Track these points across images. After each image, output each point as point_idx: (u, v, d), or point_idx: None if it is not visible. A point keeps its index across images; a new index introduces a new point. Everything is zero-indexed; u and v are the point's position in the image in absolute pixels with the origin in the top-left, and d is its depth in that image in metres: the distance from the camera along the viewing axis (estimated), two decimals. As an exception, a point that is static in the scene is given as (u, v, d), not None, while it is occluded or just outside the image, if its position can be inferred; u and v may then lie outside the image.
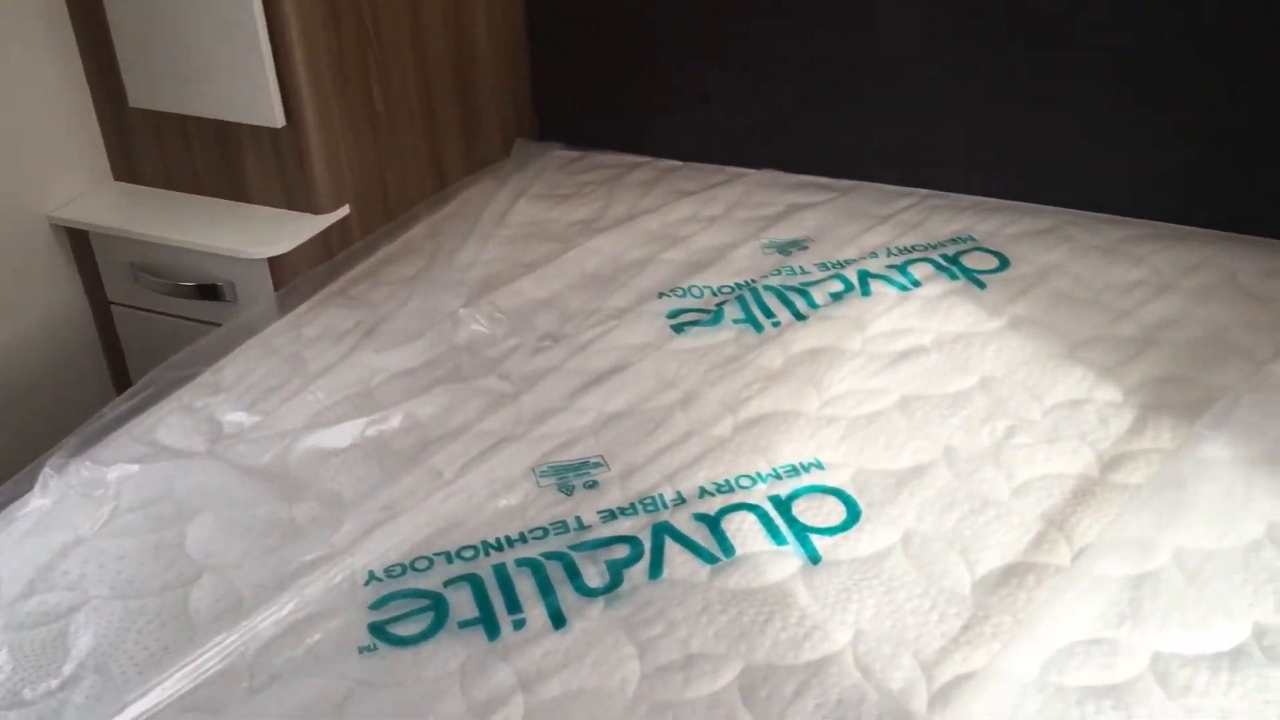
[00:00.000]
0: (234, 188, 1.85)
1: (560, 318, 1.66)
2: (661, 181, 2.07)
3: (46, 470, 1.34)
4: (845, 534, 1.23)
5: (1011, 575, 1.16)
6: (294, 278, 1.78)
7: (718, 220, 1.92)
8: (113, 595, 1.19)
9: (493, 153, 2.15)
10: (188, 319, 1.85)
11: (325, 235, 1.81)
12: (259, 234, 1.78)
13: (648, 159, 2.16)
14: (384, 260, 1.84)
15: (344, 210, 1.83)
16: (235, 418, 1.46)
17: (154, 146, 1.87)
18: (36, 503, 1.31)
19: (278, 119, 1.72)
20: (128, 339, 1.94)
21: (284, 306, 1.73)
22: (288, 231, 1.78)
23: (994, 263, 1.73)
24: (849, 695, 1.04)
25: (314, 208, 1.80)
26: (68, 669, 1.09)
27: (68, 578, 1.21)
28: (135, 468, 1.35)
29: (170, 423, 1.46)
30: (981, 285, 1.67)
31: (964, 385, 1.45)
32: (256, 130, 1.76)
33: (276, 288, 1.77)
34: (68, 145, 1.86)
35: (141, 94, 1.80)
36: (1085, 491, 1.27)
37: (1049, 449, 1.33)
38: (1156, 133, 1.79)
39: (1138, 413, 1.39)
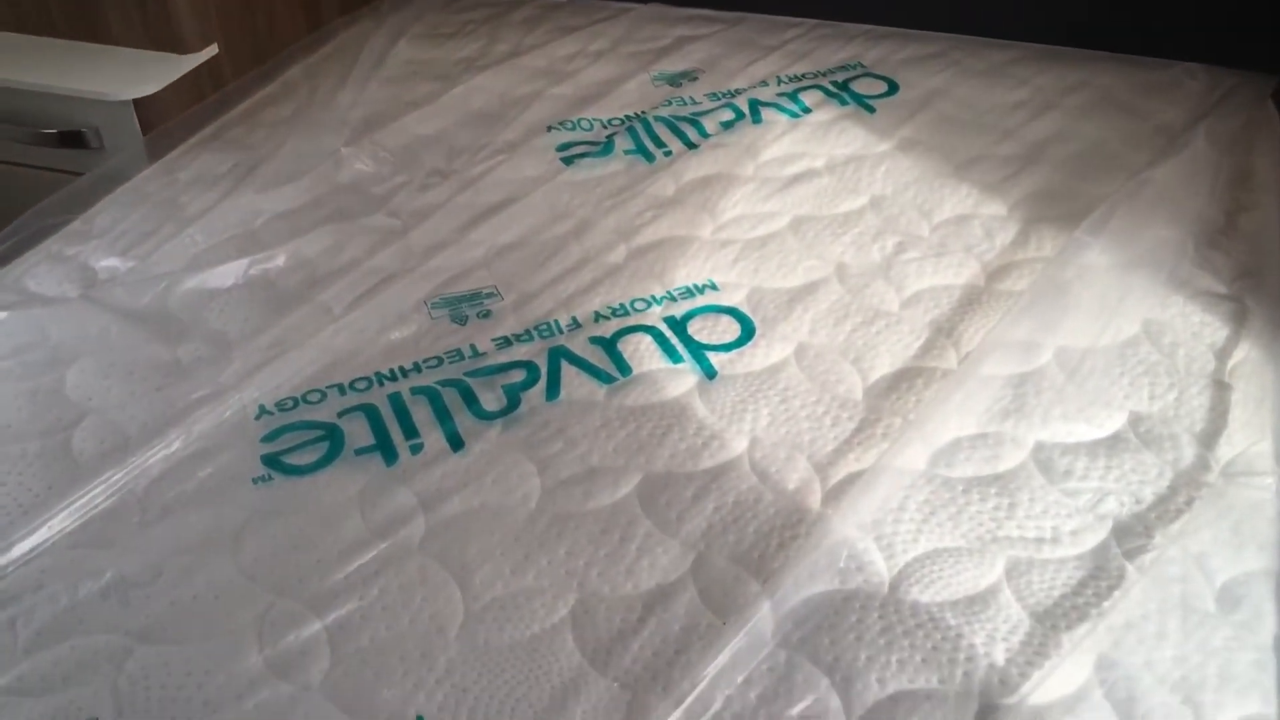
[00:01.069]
0: (91, 28, 1.74)
1: (448, 154, 1.62)
2: (545, 19, 2.01)
3: (-94, 321, 1.27)
4: (740, 350, 1.24)
5: (901, 380, 1.19)
6: (163, 122, 1.69)
7: (605, 55, 1.87)
8: (-10, 441, 1.14)
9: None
10: (51, 169, 1.76)
11: (194, 78, 1.72)
12: (123, 76, 1.68)
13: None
14: (260, 103, 1.76)
15: (212, 49, 1.74)
16: (109, 263, 1.40)
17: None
18: (-102, 356, 1.25)
19: (133, -50, 1.62)
20: (-10, 193, 1.83)
21: (154, 152, 1.65)
22: (153, 72, 1.69)
23: (882, 88, 1.73)
24: (746, 497, 1.06)
25: (179, 46, 1.71)
26: (-54, 515, 1.06)
27: (-61, 428, 1.16)
28: (3, 314, 1.29)
29: (39, 272, 1.39)
30: (871, 109, 1.67)
31: (854, 205, 1.46)
32: (111, -37, 1.65)
33: (145, 133, 1.68)
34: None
35: (-20, -74, 1.67)
36: (972, 300, 1.29)
37: (937, 262, 1.36)
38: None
39: (1021, 225, 1.41)
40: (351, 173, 1.57)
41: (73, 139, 1.71)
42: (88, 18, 1.72)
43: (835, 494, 1.06)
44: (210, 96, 1.75)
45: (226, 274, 1.37)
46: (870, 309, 1.29)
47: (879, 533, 1.02)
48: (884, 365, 1.21)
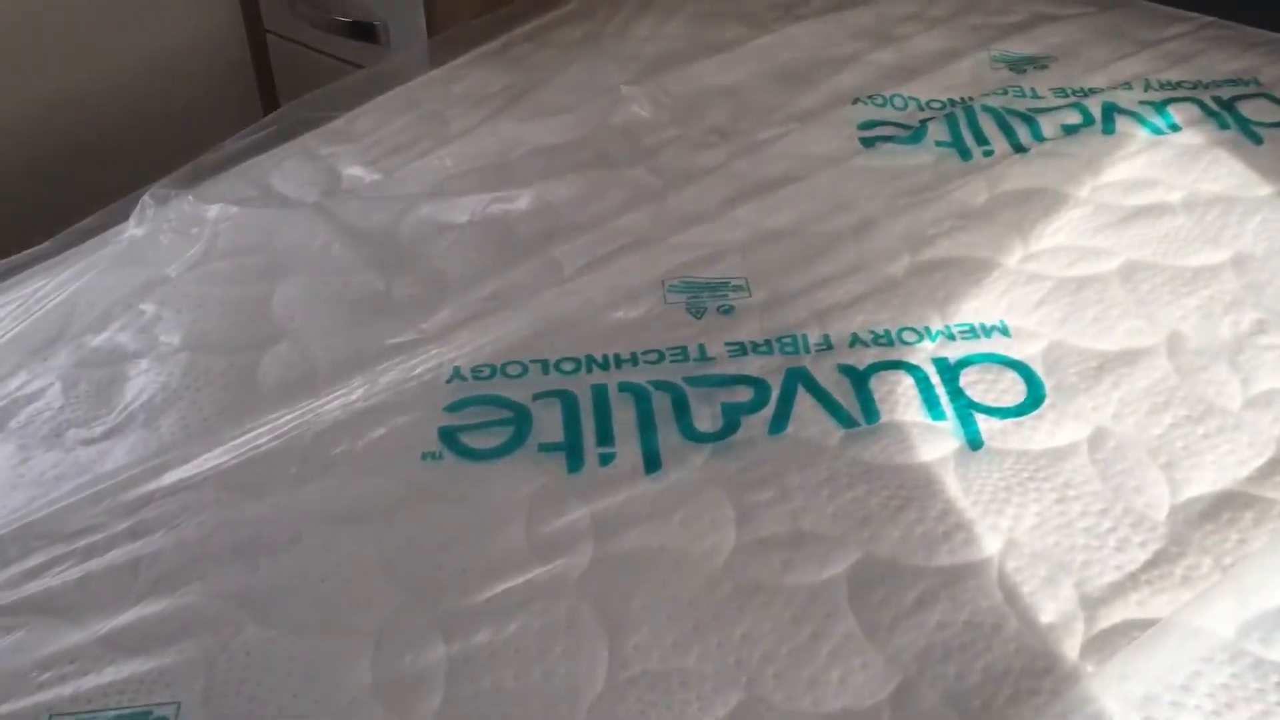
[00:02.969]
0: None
1: (736, 111, 1.43)
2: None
3: (145, 199, 1.23)
4: (1020, 419, 1.00)
5: (1224, 507, 0.92)
6: (452, 25, 1.59)
7: (944, 22, 1.62)
8: (181, 346, 1.08)
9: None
10: (340, 59, 1.71)
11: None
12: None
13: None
14: (554, 22, 1.63)
15: (514, -45, 1.62)
16: (355, 171, 1.32)
17: None
18: (131, 232, 1.21)
19: None
20: (281, 73, 1.81)
21: (436, 58, 1.56)
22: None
23: (1278, 115, 1.39)
24: (983, 618, 0.84)
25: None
26: (114, 419, 1.00)
27: (141, 318, 1.11)
28: (235, 209, 1.23)
29: (287, 168, 1.33)
30: (1258, 140, 1.34)
31: (1211, 260, 1.16)
32: None
33: (431, 35, 1.59)
34: None
35: None
36: (1344, 419, 0.99)
37: (1307, 357, 1.05)
38: None
39: None
40: (626, 115, 1.42)
41: (364, 31, 1.65)
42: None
43: (1101, 644, 0.82)
44: (506, 5, 1.63)
45: (464, 208, 1.25)
46: (1203, 401, 1.01)
47: (1149, 714, 0.78)
48: (1205, 481, 0.94)
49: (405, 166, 1.32)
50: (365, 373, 1.03)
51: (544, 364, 1.05)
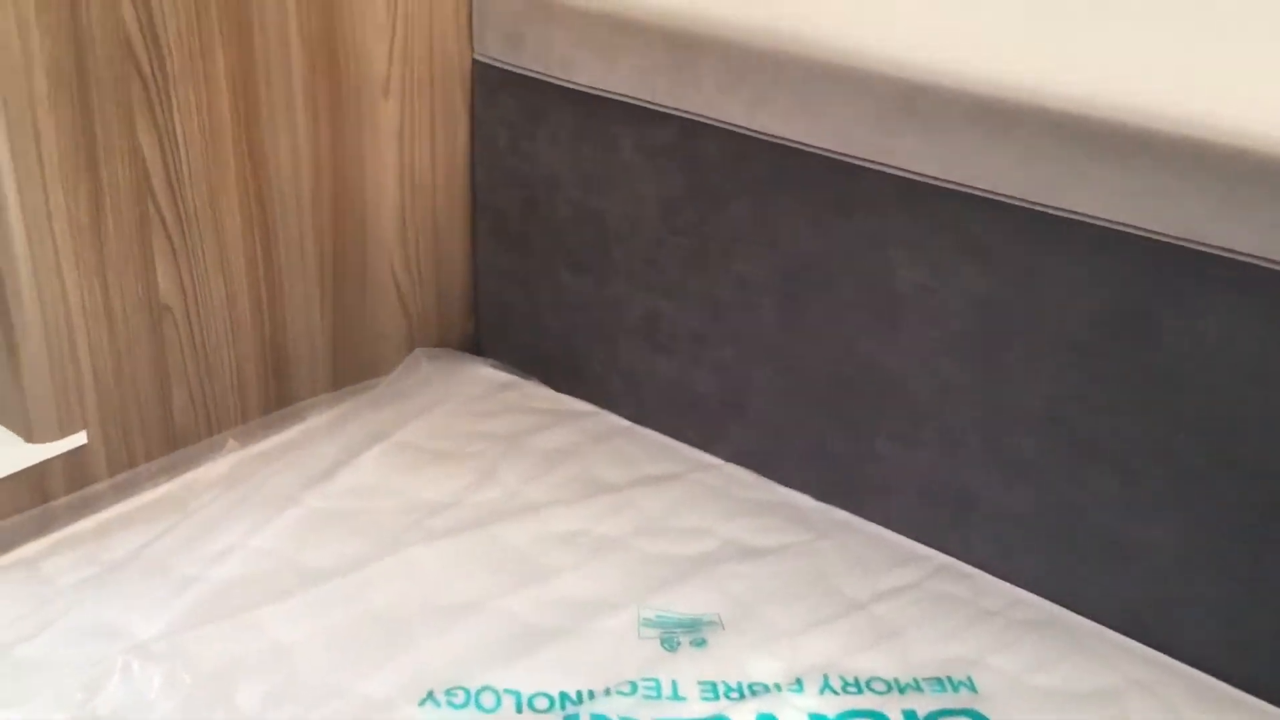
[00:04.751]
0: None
1: (272, 696, 1.06)
2: (581, 453, 1.46)
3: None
4: None
5: None
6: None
7: (610, 549, 1.28)
8: None
9: (376, 360, 1.58)
10: None
11: (39, 473, 1.27)
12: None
13: (590, 408, 1.55)
14: (105, 525, 1.27)
15: (74, 439, 1.28)
16: None
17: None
18: None
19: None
20: None
21: None
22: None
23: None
24: None
25: (29, 432, 1.26)
26: None
27: None
28: None
29: None
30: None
31: None
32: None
33: None
34: None
35: None
36: None
37: None
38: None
39: None
40: (113, 699, 1.04)
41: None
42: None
43: None
44: (58, 499, 1.29)
45: None
46: None
47: None
48: None
49: None
50: None
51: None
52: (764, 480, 1.42)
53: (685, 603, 1.20)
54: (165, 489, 1.34)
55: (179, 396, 1.37)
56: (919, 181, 1.19)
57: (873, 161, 1.22)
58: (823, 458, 1.37)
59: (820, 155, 1.25)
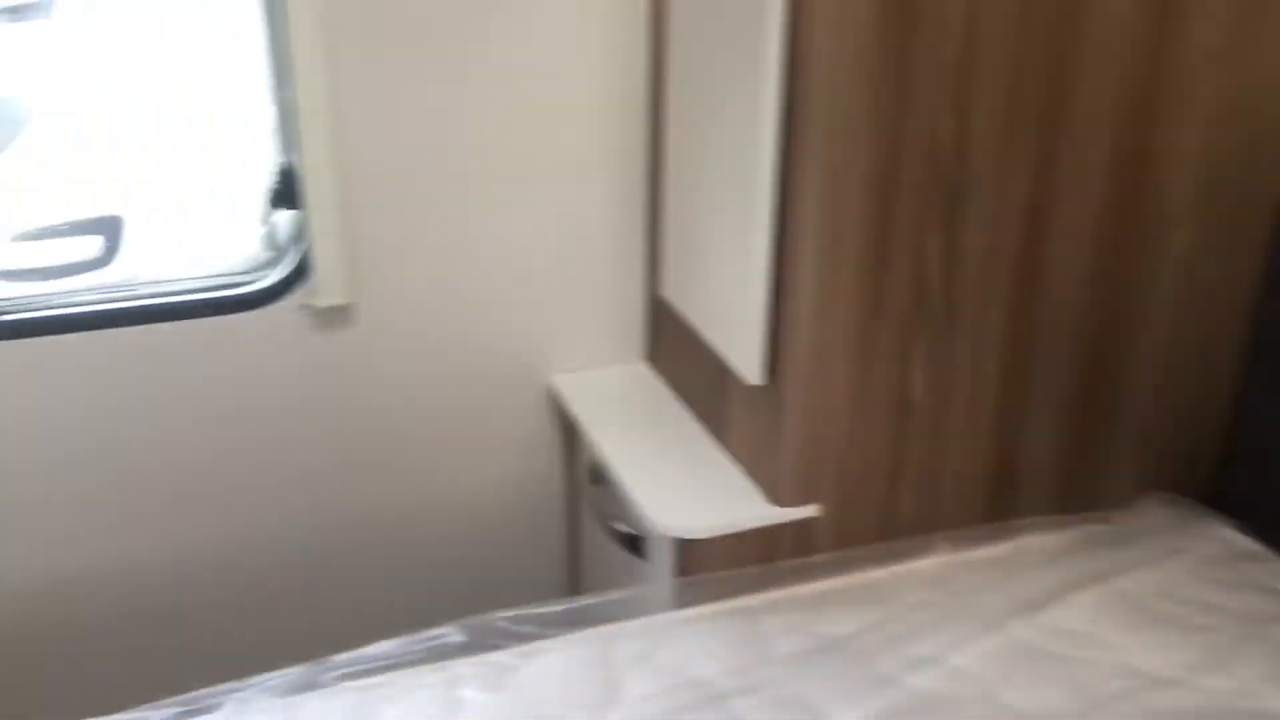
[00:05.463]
0: (718, 422, 1.49)
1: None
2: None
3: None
4: None
5: None
6: (713, 567, 1.37)
7: None
8: None
9: (1104, 492, 1.48)
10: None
11: (771, 534, 1.37)
12: (695, 499, 1.40)
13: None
14: (820, 597, 1.34)
15: (808, 509, 1.36)
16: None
17: (673, 342, 1.59)
18: None
19: (754, 374, 1.32)
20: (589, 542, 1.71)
21: (681, 598, 1.35)
22: (727, 510, 1.37)
23: None
24: None
25: (775, 495, 1.37)
26: None
27: None
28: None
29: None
30: None
31: None
32: (744, 373, 1.38)
33: (685, 570, 1.38)
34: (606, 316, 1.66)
35: (670, 287, 1.53)
36: None
37: None
38: None
39: None
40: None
41: (632, 543, 1.48)
42: (717, 409, 1.47)
43: None
44: (779, 561, 1.38)
45: None
46: None
47: None
48: None
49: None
50: None
51: None
52: None
53: None
54: (876, 575, 1.37)
55: (905, 489, 1.39)
56: None
57: None
58: None
59: None
